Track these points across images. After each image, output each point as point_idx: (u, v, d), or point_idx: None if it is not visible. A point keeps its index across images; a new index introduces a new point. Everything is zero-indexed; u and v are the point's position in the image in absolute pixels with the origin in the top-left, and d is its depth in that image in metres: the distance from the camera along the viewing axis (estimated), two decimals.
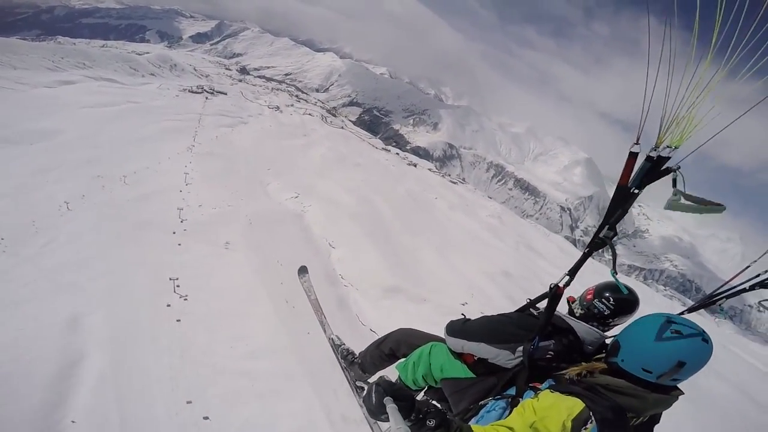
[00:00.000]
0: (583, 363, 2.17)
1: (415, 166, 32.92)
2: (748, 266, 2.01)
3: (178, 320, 5.45)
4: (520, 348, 2.35)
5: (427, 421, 1.77)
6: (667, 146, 1.75)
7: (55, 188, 9.26)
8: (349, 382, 3.84)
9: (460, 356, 2.71)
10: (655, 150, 1.78)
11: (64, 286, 5.62)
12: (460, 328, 2.67)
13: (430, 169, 37.31)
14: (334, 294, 7.97)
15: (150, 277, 6.31)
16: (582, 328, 2.35)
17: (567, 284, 2.27)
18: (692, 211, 1.83)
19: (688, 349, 1.69)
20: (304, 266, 6.22)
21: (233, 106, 31.32)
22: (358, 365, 3.69)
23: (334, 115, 57.91)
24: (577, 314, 2.54)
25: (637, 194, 1.93)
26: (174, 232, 7.73)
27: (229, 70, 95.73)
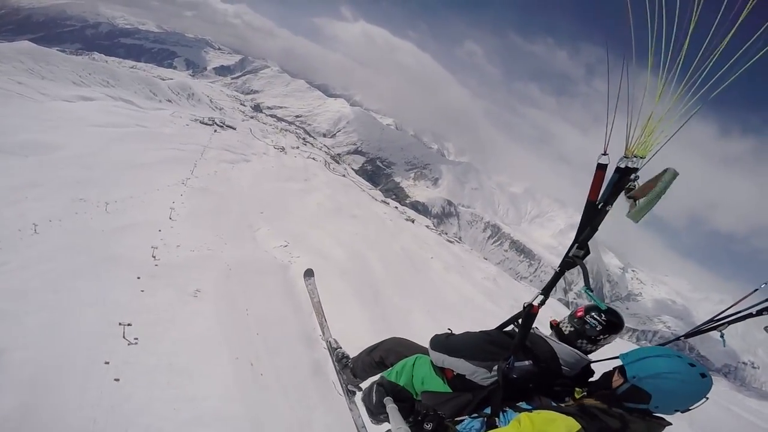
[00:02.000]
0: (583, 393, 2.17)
1: (413, 221, 33.04)
2: (756, 290, 1.92)
3: (116, 379, 4.79)
4: (497, 366, 2.30)
5: (425, 424, 1.83)
6: (635, 156, 1.75)
7: (31, 207, 8.87)
8: (342, 385, 3.87)
9: (441, 370, 2.65)
10: (626, 159, 1.76)
11: None
12: (442, 342, 2.63)
13: (427, 226, 37.42)
14: (311, 358, 7.30)
15: (99, 319, 5.65)
16: (563, 350, 2.31)
17: (542, 303, 2.25)
18: (654, 200, 1.76)
19: (708, 388, 1.78)
20: (311, 269, 5.92)
21: (239, 142, 31.96)
22: (350, 369, 3.65)
23: (338, 162, 59.30)
24: (566, 332, 2.48)
25: (607, 210, 1.87)
26: (138, 277, 7.08)
27: (244, 105, 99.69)
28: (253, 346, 6.61)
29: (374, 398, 1.93)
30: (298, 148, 44.67)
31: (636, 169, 1.77)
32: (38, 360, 4.56)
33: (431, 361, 2.72)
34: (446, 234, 50.61)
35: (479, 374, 2.36)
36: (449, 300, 13.08)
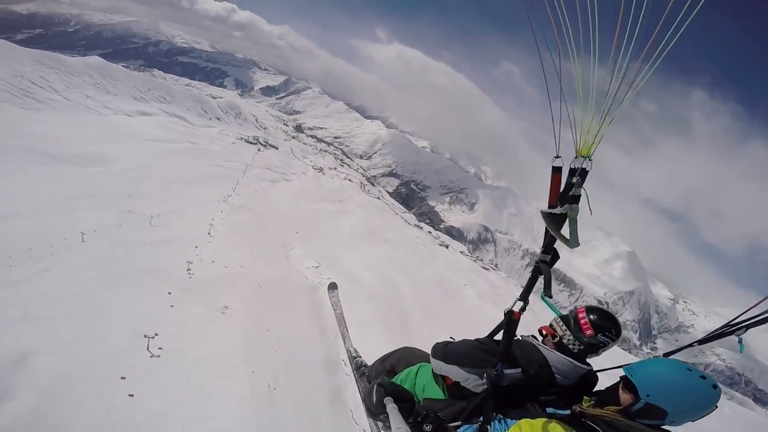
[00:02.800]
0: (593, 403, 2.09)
1: (447, 247, 32.31)
2: None
3: (131, 395, 4.68)
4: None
5: (425, 425, 1.85)
6: (582, 157, 1.77)
7: (83, 216, 9.30)
8: (360, 393, 3.91)
9: (442, 378, 2.71)
10: (579, 158, 1.78)
11: (32, 318, 5.15)
12: (440, 350, 2.67)
13: (462, 252, 36.46)
14: (330, 384, 7.02)
15: (127, 330, 5.70)
16: (556, 358, 2.27)
17: (522, 309, 2.28)
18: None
19: (718, 398, 1.74)
20: (335, 283, 6.05)
21: (281, 161, 33.00)
22: (366, 377, 3.74)
23: (373, 184, 59.86)
24: (575, 350, 2.38)
25: (564, 214, 1.84)
26: (170, 292, 7.14)
27: (286, 125, 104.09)
28: (273, 367, 6.48)
29: (374, 398, 1.96)
30: (335, 169, 45.53)
31: (584, 170, 1.78)
32: (61, 367, 4.62)
33: (432, 369, 2.79)
34: (482, 261, 49.35)
35: (471, 381, 2.38)
36: (482, 329, 12.23)
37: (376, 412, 1.97)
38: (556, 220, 1.87)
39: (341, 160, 70.75)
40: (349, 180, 40.86)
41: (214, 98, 74.87)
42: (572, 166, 1.82)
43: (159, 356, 5.40)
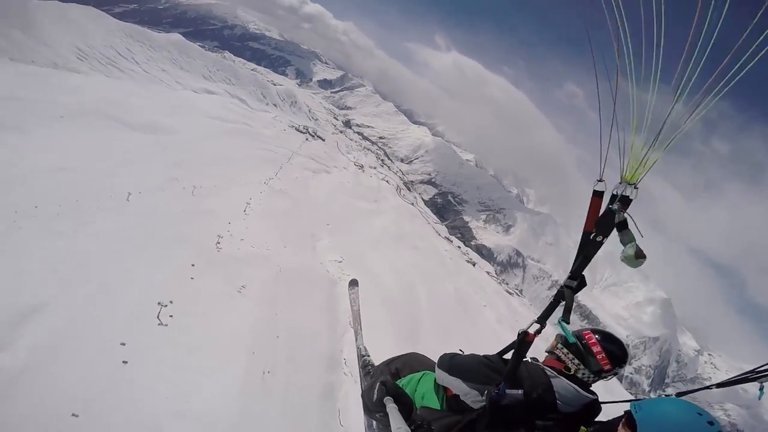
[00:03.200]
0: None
1: (474, 265, 31.66)
2: None
3: (125, 361, 4.82)
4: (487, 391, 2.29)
5: None
6: (628, 183, 1.70)
7: (135, 179, 10.01)
8: (361, 390, 3.90)
9: (443, 389, 2.69)
10: (623, 184, 1.71)
11: (58, 272, 5.47)
12: (446, 361, 2.63)
13: (488, 272, 35.58)
14: (326, 380, 7.00)
15: (143, 295, 5.96)
16: (561, 384, 2.20)
17: (538, 332, 2.21)
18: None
19: None
20: (356, 280, 5.95)
21: (325, 153, 33.88)
22: (370, 376, 3.73)
23: (409, 189, 59.66)
24: (589, 381, 2.32)
25: (601, 242, 1.81)
26: (193, 264, 7.43)
27: (336, 119, 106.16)
28: (274, 353, 6.53)
29: (375, 396, 1.97)
30: (375, 168, 45.93)
31: (626, 197, 1.72)
32: (67, 325, 4.78)
33: (435, 379, 2.76)
34: (507, 284, 47.83)
35: (471, 396, 2.35)
36: (492, 352, 11.97)
37: (373, 409, 1.99)
38: (592, 245, 1.84)
39: (382, 160, 71.16)
40: (387, 181, 41.05)
41: (275, 85, 77.98)
42: (614, 192, 1.75)
43: (167, 325, 5.58)
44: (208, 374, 5.20)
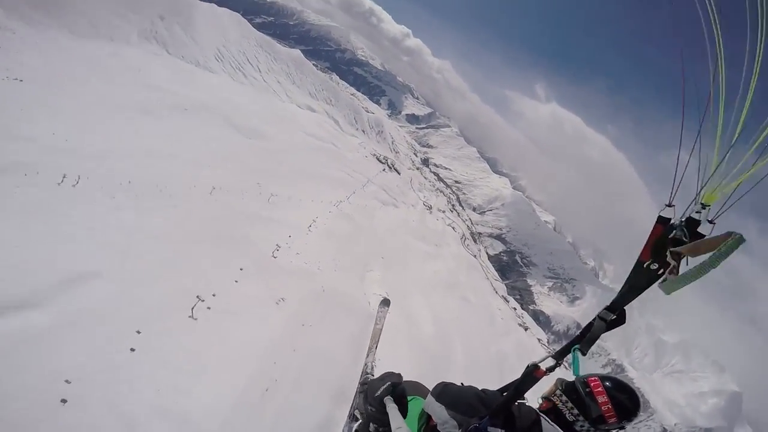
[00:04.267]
0: None
1: (526, 329, 29.47)
2: None
3: (132, 349, 5.01)
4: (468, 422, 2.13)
5: None
6: (701, 204, 1.38)
7: (224, 175, 11.18)
8: (351, 406, 3.90)
9: (427, 418, 2.55)
10: (696, 204, 1.39)
11: (121, 247, 6.04)
12: (439, 387, 2.46)
13: (539, 340, 32.78)
14: (326, 412, 6.54)
15: (186, 285, 6.34)
16: (550, 429, 2.00)
17: (551, 369, 1.94)
18: (703, 270, 1.26)
19: None
20: (388, 299, 6.01)
21: (397, 187, 34.66)
22: (363, 393, 3.47)
23: (475, 241, 58.06)
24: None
25: (657, 273, 1.49)
26: (241, 269, 7.81)
27: (416, 156, 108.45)
28: (284, 370, 6.42)
29: (378, 391, 1.98)
30: (444, 212, 45.64)
31: (695, 220, 1.40)
32: (104, 298, 5.13)
33: (423, 406, 2.61)
34: None
35: (448, 426, 2.18)
36: None
37: (371, 401, 1.98)
38: (644, 274, 1.57)
39: (453, 205, 70.52)
40: (453, 228, 40.44)
41: (367, 112, 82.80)
42: (682, 219, 1.44)
43: (196, 319, 5.86)
44: (209, 377, 5.24)
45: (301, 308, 8.26)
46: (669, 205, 1.50)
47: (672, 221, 1.47)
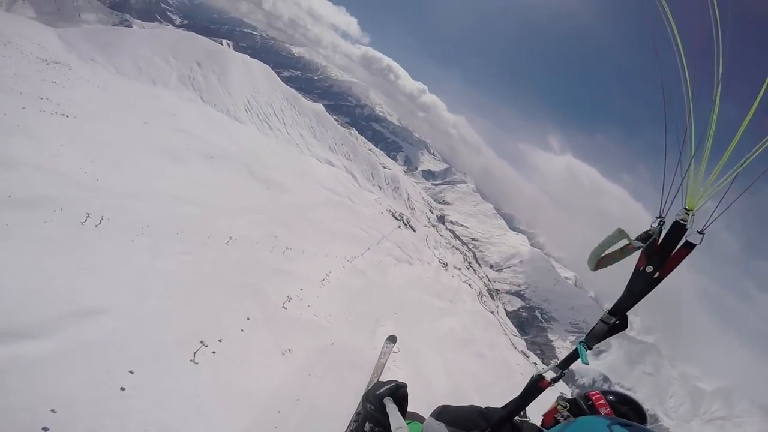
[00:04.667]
0: None
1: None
2: None
3: (122, 388, 4.83)
4: None
5: None
6: (685, 210, 1.36)
7: (242, 225, 11.43)
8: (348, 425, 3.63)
9: None
10: (681, 210, 1.37)
11: (135, 287, 6.11)
12: (440, 409, 2.19)
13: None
14: None
15: (192, 329, 6.28)
16: None
17: (555, 380, 1.73)
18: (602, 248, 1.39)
19: None
20: (395, 336, 5.90)
21: (412, 244, 34.53)
22: (359, 414, 3.43)
23: (492, 297, 56.14)
24: None
25: (652, 275, 1.43)
26: (248, 318, 7.78)
27: (431, 212, 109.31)
28: (284, 423, 6.13)
29: (381, 390, 1.98)
30: (460, 269, 44.86)
31: (681, 224, 1.40)
32: (108, 336, 5.10)
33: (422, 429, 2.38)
34: None
35: None
36: None
37: (372, 400, 1.99)
38: (640, 278, 1.52)
39: (469, 263, 69.32)
40: (469, 285, 39.40)
41: (384, 168, 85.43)
42: (677, 220, 1.38)
43: (197, 363, 5.74)
44: (205, 423, 5.04)
45: (308, 361, 8.04)
46: (659, 217, 1.47)
47: (652, 227, 1.44)
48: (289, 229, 14.24)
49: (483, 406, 2.21)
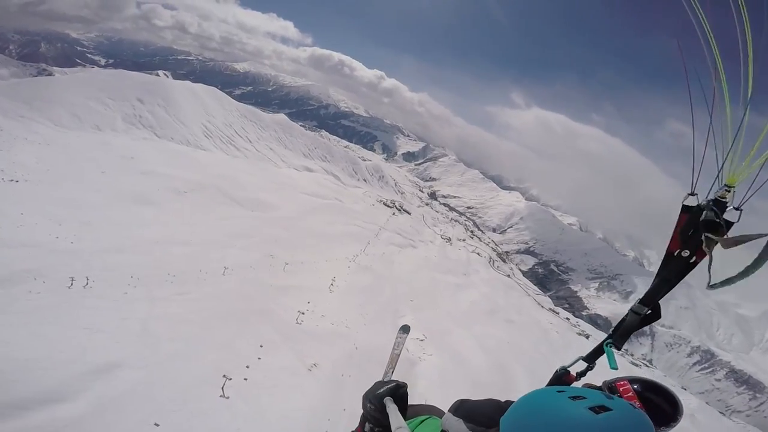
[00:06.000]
0: None
1: (588, 337, 27.29)
2: None
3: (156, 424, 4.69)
4: None
5: None
6: (725, 185, 1.27)
7: (234, 253, 10.82)
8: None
9: None
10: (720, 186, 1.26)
11: (145, 335, 5.85)
12: (460, 403, 1.86)
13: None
14: None
15: (213, 365, 6.00)
16: None
17: (582, 374, 1.70)
18: (753, 267, 1.16)
19: None
20: (408, 326, 4.96)
21: (411, 227, 34.04)
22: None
23: (504, 261, 56.17)
24: None
25: (689, 261, 1.38)
26: (261, 346, 7.34)
27: (422, 192, 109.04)
28: None
29: (381, 389, 1.82)
30: (464, 240, 44.60)
31: (722, 202, 1.29)
32: (132, 387, 4.95)
33: (440, 424, 2.12)
34: (632, 355, 39.93)
35: None
36: None
37: (372, 399, 1.90)
38: (675, 264, 1.46)
39: (471, 231, 69.23)
40: (478, 254, 39.16)
41: (364, 161, 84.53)
42: (707, 200, 1.34)
43: (228, 398, 5.46)
44: None
45: (335, 371, 7.67)
46: (691, 194, 1.41)
47: (699, 203, 1.35)
48: (284, 245, 13.63)
49: (503, 400, 2.03)
